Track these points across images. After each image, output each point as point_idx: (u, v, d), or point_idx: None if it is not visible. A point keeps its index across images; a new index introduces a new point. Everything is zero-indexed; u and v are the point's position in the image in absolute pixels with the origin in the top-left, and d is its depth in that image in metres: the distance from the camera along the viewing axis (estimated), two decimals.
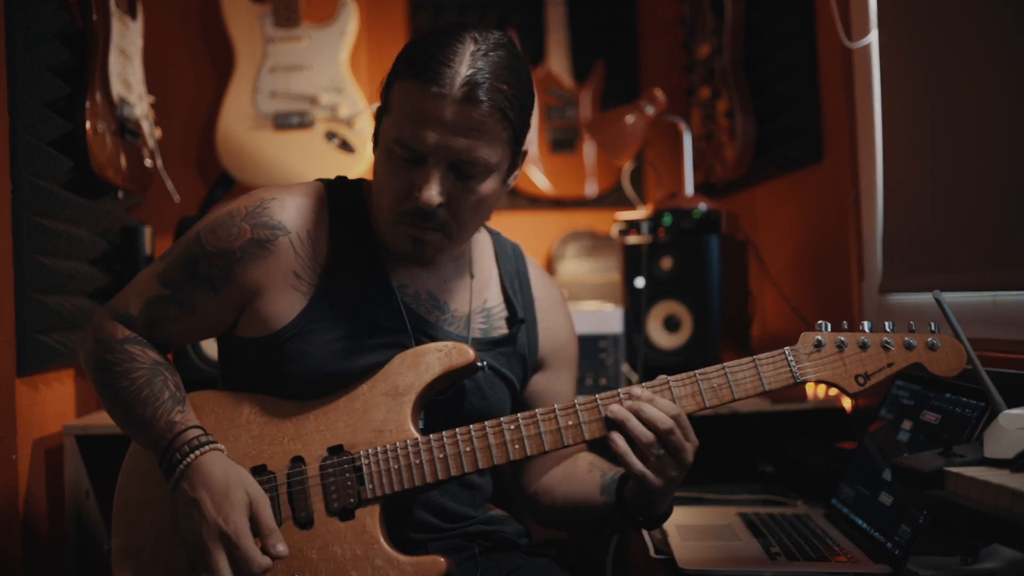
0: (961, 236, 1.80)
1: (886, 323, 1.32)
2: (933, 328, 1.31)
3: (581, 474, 1.51)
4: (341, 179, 1.47)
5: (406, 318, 1.39)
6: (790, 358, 1.30)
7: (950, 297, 1.66)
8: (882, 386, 1.74)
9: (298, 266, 1.36)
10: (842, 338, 1.30)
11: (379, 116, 1.35)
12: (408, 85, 1.26)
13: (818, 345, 1.30)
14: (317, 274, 1.36)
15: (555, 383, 1.56)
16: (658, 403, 1.26)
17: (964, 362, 1.28)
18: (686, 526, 1.70)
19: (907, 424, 1.59)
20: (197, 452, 1.27)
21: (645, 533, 1.67)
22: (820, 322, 1.32)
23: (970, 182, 1.78)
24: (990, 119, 1.71)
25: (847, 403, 2.21)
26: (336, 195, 1.42)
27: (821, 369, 1.30)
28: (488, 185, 1.31)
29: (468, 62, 1.24)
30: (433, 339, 1.40)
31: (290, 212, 1.37)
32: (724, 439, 2.43)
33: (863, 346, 1.30)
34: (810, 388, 2.28)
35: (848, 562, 1.46)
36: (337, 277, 1.37)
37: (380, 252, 1.41)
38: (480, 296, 1.48)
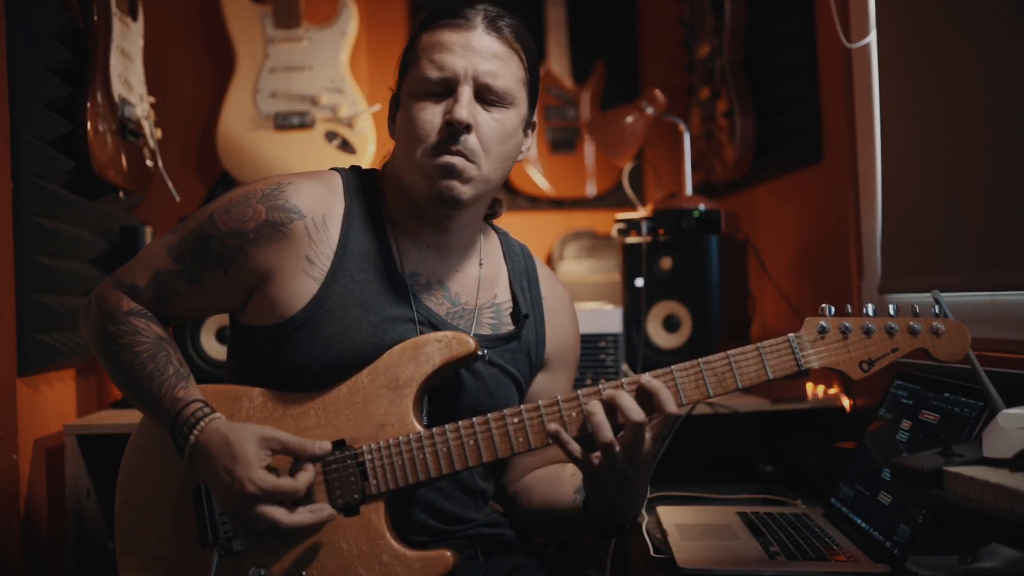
0: (961, 236, 1.80)
1: (890, 306, 1.30)
2: (936, 312, 1.29)
3: (565, 477, 1.50)
4: (355, 168, 1.48)
5: (415, 310, 1.39)
6: (794, 345, 1.29)
7: (949, 297, 1.66)
8: (882, 384, 1.74)
9: (311, 251, 1.36)
10: (846, 323, 1.28)
11: (399, 84, 1.41)
12: (432, 29, 1.36)
13: (822, 331, 1.29)
14: (329, 260, 1.37)
15: (554, 384, 1.55)
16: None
17: (968, 347, 1.27)
18: (686, 526, 1.70)
19: (906, 424, 1.59)
20: (196, 430, 1.28)
21: (645, 532, 1.67)
22: (823, 306, 1.30)
23: (970, 182, 1.78)
24: (989, 119, 1.71)
25: (846, 403, 2.21)
26: (350, 183, 1.44)
27: (825, 356, 1.28)
28: (510, 119, 1.37)
29: (483, 6, 1.38)
30: (438, 331, 1.39)
31: (305, 197, 1.38)
32: (724, 439, 2.43)
33: (867, 332, 1.28)
34: (810, 387, 2.28)
35: (847, 561, 1.46)
36: (348, 265, 1.38)
37: (392, 240, 1.42)
38: (490, 290, 1.49)
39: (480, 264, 1.49)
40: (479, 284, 1.47)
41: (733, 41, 2.70)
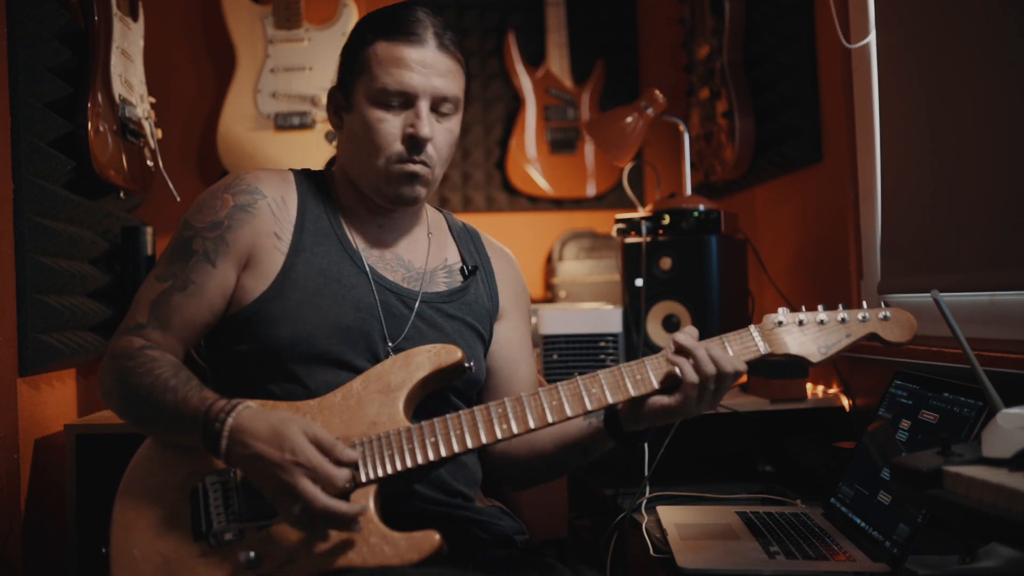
0: (960, 236, 1.80)
1: (840, 305, 1.43)
2: (883, 306, 1.42)
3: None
4: (304, 169, 1.61)
5: (371, 278, 1.49)
6: (755, 334, 1.39)
7: (949, 297, 1.66)
8: (881, 383, 1.75)
9: (277, 227, 1.48)
10: (801, 317, 1.41)
11: (347, 85, 1.51)
12: (387, 42, 1.46)
13: (780, 324, 1.40)
14: (291, 234, 1.48)
15: (513, 333, 1.66)
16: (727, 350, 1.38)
17: (915, 329, 1.40)
18: (686, 525, 1.70)
19: (905, 423, 1.59)
20: (231, 416, 1.29)
21: (645, 532, 1.68)
22: (780, 308, 1.42)
23: (969, 182, 1.78)
24: (988, 119, 1.72)
25: (846, 402, 2.21)
26: (300, 177, 1.56)
27: (786, 342, 1.39)
28: (457, 124, 1.52)
29: (427, 20, 1.48)
30: (397, 295, 1.50)
31: (264, 181, 1.51)
32: (724, 438, 2.44)
33: (821, 322, 1.40)
34: (810, 387, 2.28)
35: (847, 561, 1.47)
36: (308, 240, 1.48)
37: (344, 223, 1.53)
38: (440, 254, 1.62)
39: (429, 234, 1.62)
40: (428, 250, 1.59)
41: (733, 41, 2.70)
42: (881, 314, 1.40)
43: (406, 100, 1.45)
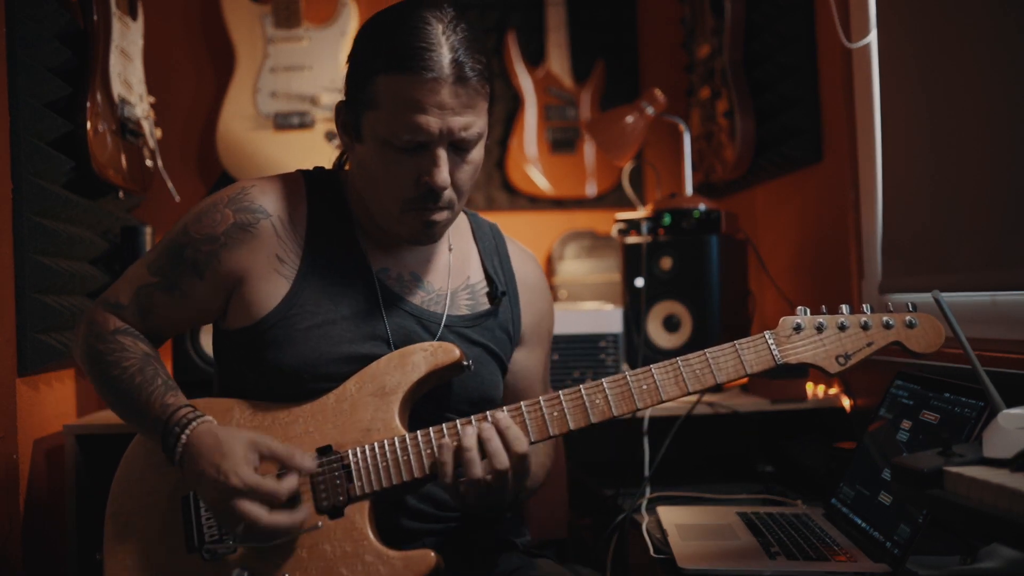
0: (961, 236, 1.80)
1: (864, 306, 1.34)
2: (911, 308, 1.33)
3: None
4: (319, 168, 1.51)
5: (382, 303, 1.41)
6: (770, 341, 1.33)
7: (949, 297, 1.66)
8: (882, 383, 1.74)
9: (280, 249, 1.39)
10: (821, 320, 1.32)
11: (355, 111, 1.35)
12: (397, 78, 1.28)
13: (797, 328, 1.33)
14: (299, 257, 1.40)
15: (530, 359, 1.58)
16: (508, 436, 1.27)
17: (943, 339, 1.31)
18: (686, 526, 1.70)
19: (906, 424, 1.59)
20: (188, 429, 1.29)
21: (645, 532, 1.68)
22: (799, 307, 1.34)
23: (970, 182, 1.78)
24: (989, 119, 1.71)
25: (847, 403, 2.21)
26: (314, 183, 1.46)
27: (801, 350, 1.32)
28: (480, 152, 1.37)
29: (446, 43, 1.28)
30: (416, 319, 1.42)
31: (270, 197, 1.42)
32: (724, 439, 2.44)
33: (842, 327, 1.32)
34: (810, 387, 2.28)
35: (847, 561, 1.46)
36: (318, 262, 1.40)
37: (359, 238, 1.44)
38: (462, 272, 1.51)
39: (450, 249, 1.51)
40: (450, 269, 1.49)
41: (733, 41, 2.70)
42: (907, 319, 1.31)
43: (420, 145, 1.30)
